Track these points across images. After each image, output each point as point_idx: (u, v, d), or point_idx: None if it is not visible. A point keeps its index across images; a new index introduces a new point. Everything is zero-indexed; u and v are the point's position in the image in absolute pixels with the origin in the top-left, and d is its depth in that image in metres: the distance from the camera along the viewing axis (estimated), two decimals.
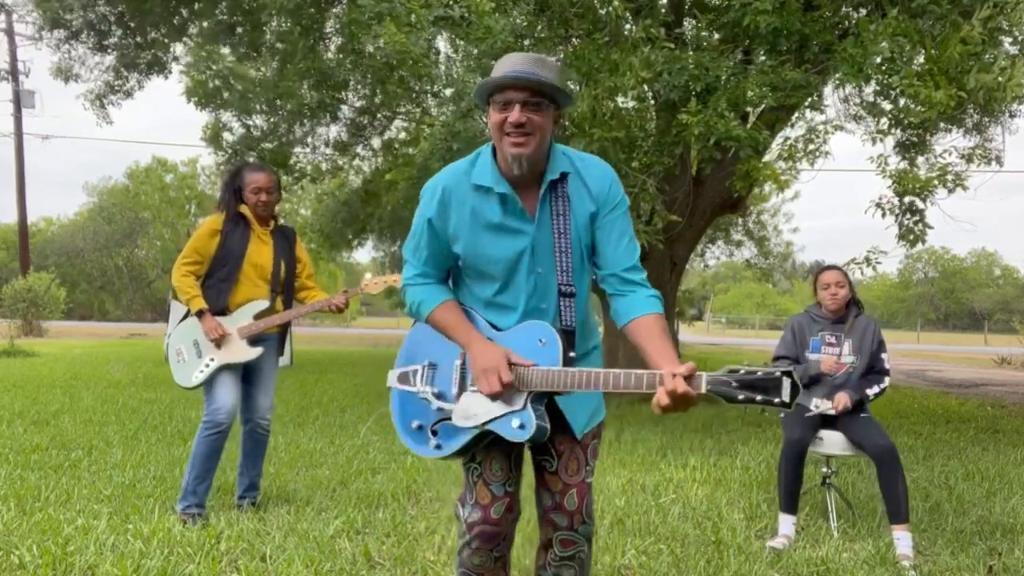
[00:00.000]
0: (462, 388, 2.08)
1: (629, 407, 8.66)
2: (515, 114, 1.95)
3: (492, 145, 2.07)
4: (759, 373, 1.77)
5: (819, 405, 3.89)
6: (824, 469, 4.09)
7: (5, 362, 12.46)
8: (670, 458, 5.65)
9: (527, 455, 2.26)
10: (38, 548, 3.21)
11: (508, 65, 2.00)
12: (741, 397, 1.77)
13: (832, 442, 3.87)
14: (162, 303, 35.36)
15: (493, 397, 2.00)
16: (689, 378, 1.79)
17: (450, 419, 2.07)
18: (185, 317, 3.92)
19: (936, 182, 6.82)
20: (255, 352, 3.87)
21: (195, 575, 3.04)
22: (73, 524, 3.56)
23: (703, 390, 1.80)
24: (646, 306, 2.03)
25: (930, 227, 7.29)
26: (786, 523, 3.72)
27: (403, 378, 2.19)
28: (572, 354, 2.05)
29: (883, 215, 7.45)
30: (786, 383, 1.76)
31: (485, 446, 2.12)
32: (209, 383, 3.82)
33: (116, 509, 3.88)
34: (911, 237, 7.35)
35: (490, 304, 2.13)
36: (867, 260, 7.39)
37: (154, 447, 5.57)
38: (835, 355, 3.92)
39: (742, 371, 1.79)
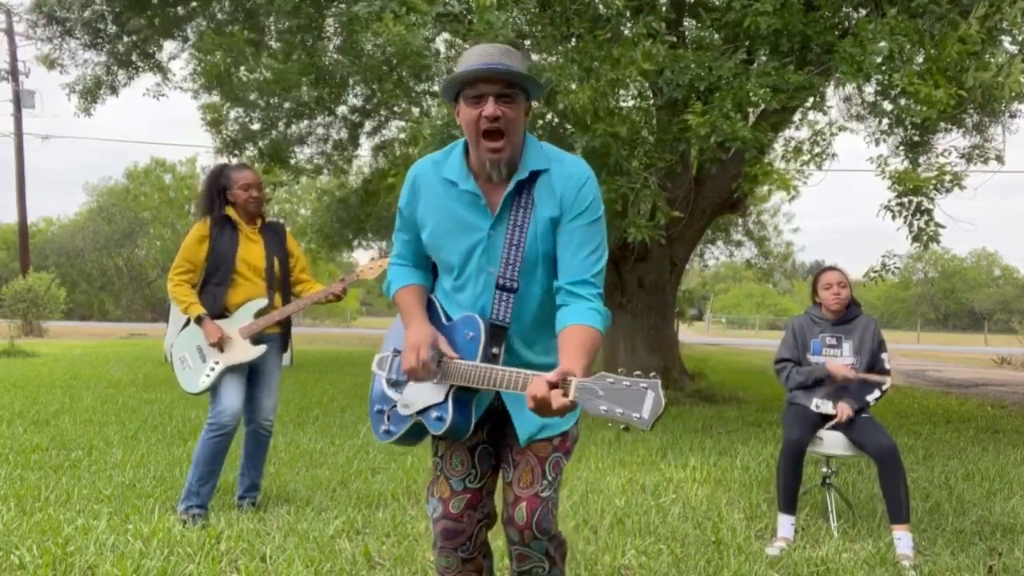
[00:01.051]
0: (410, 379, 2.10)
1: None
2: (489, 107, 1.90)
3: (464, 144, 2.04)
4: (626, 383, 1.62)
5: (820, 405, 3.89)
6: (824, 469, 4.09)
7: (5, 362, 12.46)
8: (670, 458, 5.65)
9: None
10: (38, 548, 3.21)
11: (476, 57, 1.94)
12: (603, 408, 1.62)
13: (832, 442, 3.87)
14: (162, 303, 35.36)
15: (412, 377, 2.01)
16: (562, 383, 1.69)
17: (396, 407, 2.11)
18: (187, 324, 3.92)
19: (934, 182, 6.82)
20: (258, 351, 3.87)
21: (195, 575, 3.04)
22: (73, 524, 3.56)
23: (571, 397, 1.67)
24: (578, 317, 1.91)
25: (942, 227, 7.28)
26: (785, 523, 3.72)
27: (380, 364, 2.22)
28: (495, 351, 1.99)
29: (892, 217, 7.45)
30: (648, 398, 1.59)
31: (447, 441, 2.12)
32: (214, 386, 3.82)
33: (116, 509, 3.88)
34: (924, 238, 7.32)
35: (449, 295, 2.13)
36: (884, 266, 7.38)
37: (154, 447, 5.57)
38: (836, 355, 3.91)
39: (610, 379, 1.64)
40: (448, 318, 2.10)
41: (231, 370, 3.83)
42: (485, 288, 2.04)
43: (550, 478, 2.07)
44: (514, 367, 1.90)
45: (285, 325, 4.06)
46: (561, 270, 2.01)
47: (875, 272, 7.35)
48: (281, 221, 4.29)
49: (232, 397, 3.81)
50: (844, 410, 3.80)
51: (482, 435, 2.14)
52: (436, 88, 8.52)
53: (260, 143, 9.96)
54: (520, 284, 2.03)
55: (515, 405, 2.04)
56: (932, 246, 7.42)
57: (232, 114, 10.01)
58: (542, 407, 1.70)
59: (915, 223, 7.36)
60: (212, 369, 3.80)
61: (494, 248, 2.02)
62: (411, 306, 2.12)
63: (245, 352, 3.85)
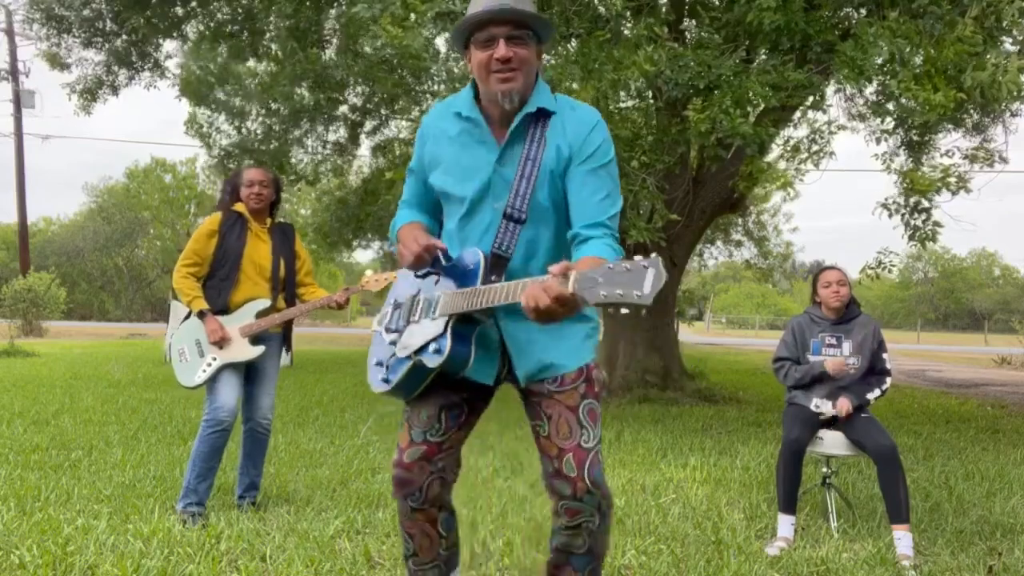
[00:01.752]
0: (407, 321, 2.10)
1: (629, 407, 8.66)
2: (501, 49, 1.91)
3: (472, 82, 2.07)
4: (626, 265, 1.58)
5: (820, 405, 3.89)
6: (824, 469, 4.09)
7: (5, 362, 12.46)
8: (670, 458, 5.65)
9: (485, 415, 2.23)
10: (38, 548, 3.21)
11: (485, 1, 1.95)
12: (603, 293, 1.57)
13: (832, 442, 3.87)
14: (162, 303, 35.35)
15: (415, 268, 2.01)
16: (564, 277, 1.66)
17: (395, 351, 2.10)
18: (188, 317, 3.93)
19: (939, 184, 6.81)
20: (257, 351, 3.88)
21: (195, 575, 3.04)
22: (73, 524, 3.56)
23: (570, 288, 1.63)
24: (592, 250, 1.91)
25: (940, 226, 7.28)
26: (785, 524, 3.72)
27: (380, 320, 2.23)
28: (494, 278, 1.97)
29: (889, 215, 7.45)
30: (649, 275, 1.55)
31: (421, 394, 2.11)
32: (211, 382, 3.82)
33: (116, 509, 3.88)
34: (921, 236, 7.33)
35: (453, 236, 2.13)
36: (880, 263, 7.38)
37: (154, 447, 5.57)
38: (836, 356, 3.91)
39: (609, 265, 1.60)
40: (448, 259, 2.09)
41: (228, 367, 3.83)
42: (491, 223, 2.03)
43: (588, 426, 2.04)
44: (513, 312, 1.95)
45: (286, 325, 4.07)
46: (574, 215, 2.00)
47: (871, 268, 7.35)
48: (291, 223, 4.30)
49: (228, 394, 3.81)
50: (844, 405, 3.79)
51: (461, 392, 2.13)
52: (436, 88, 8.50)
53: (261, 148, 9.95)
54: (528, 218, 2.01)
55: (513, 341, 2.06)
56: (932, 246, 7.43)
57: (223, 125, 9.92)
58: (539, 305, 1.66)
59: (912, 221, 7.37)
60: (209, 364, 3.81)
61: (500, 183, 2.02)
62: (408, 229, 2.13)
63: (243, 351, 3.85)
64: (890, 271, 7.42)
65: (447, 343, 1.94)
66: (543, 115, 2.03)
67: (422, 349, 2.00)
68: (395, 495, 2.15)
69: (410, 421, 2.15)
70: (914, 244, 7.41)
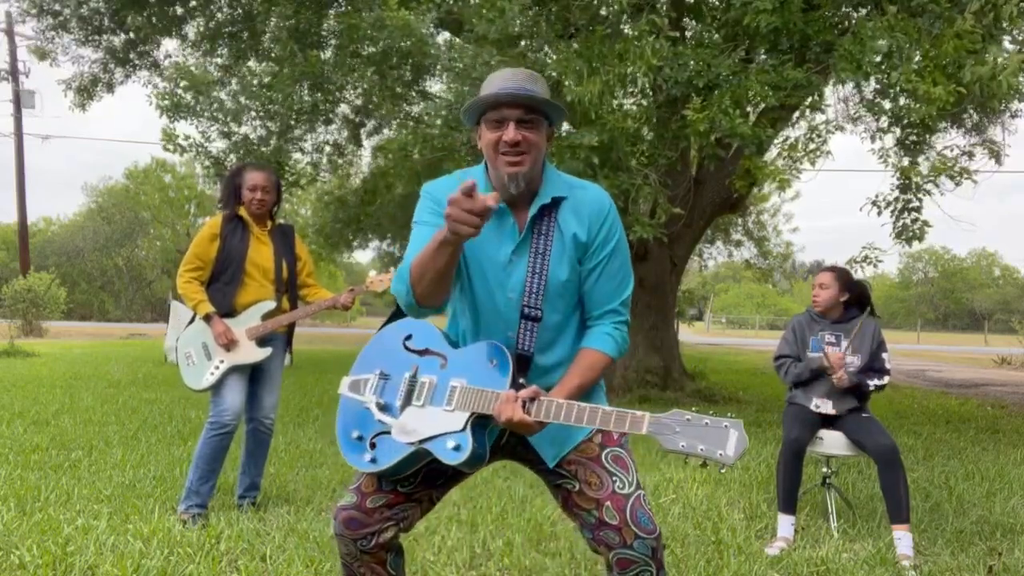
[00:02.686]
0: (407, 402, 1.98)
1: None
2: (510, 132, 1.90)
3: (484, 164, 2.04)
4: (706, 421, 1.63)
5: (819, 405, 3.89)
6: (824, 469, 4.09)
7: (5, 362, 12.45)
8: (670, 458, 5.65)
9: (464, 481, 2.17)
10: (38, 548, 3.21)
11: (499, 82, 1.95)
12: (682, 444, 1.63)
13: (833, 442, 3.87)
14: (162, 303, 35.33)
15: (463, 222, 1.68)
16: (533, 401, 1.81)
17: (389, 432, 1.97)
18: (192, 320, 3.93)
19: (943, 175, 6.79)
20: (264, 353, 3.89)
21: (195, 575, 3.04)
22: (73, 524, 3.56)
23: (644, 431, 1.69)
24: (590, 340, 2.01)
25: (929, 225, 7.29)
26: (785, 524, 3.72)
27: (354, 386, 2.08)
28: (522, 381, 1.94)
29: (879, 212, 7.46)
30: (732, 436, 1.61)
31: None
32: (217, 384, 3.83)
33: (116, 509, 3.88)
34: (908, 235, 7.35)
35: (457, 321, 2.09)
36: (866, 259, 7.38)
37: (154, 447, 5.57)
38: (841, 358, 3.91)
39: (687, 416, 1.66)
40: (454, 343, 2.04)
41: (234, 369, 3.84)
42: (499, 315, 2.01)
43: (620, 474, 1.98)
44: None
45: (289, 326, 4.08)
46: (588, 302, 2.05)
47: (856, 262, 7.36)
48: (291, 224, 4.29)
49: (234, 396, 3.82)
50: (836, 359, 3.79)
51: (449, 468, 2.03)
52: (437, 85, 8.48)
53: (262, 149, 9.89)
54: (543, 313, 2.01)
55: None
56: (932, 246, 7.44)
57: (212, 134, 9.73)
58: (513, 425, 1.79)
59: (901, 219, 7.38)
60: (217, 367, 3.82)
61: (515, 272, 1.99)
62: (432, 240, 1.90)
63: (251, 353, 3.86)
64: (875, 265, 7.41)
65: (469, 443, 1.87)
66: (554, 203, 2.02)
67: (433, 440, 1.91)
68: (342, 534, 2.01)
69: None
70: (901, 243, 7.41)
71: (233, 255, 3.87)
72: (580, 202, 2.02)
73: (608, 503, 1.94)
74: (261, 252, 3.95)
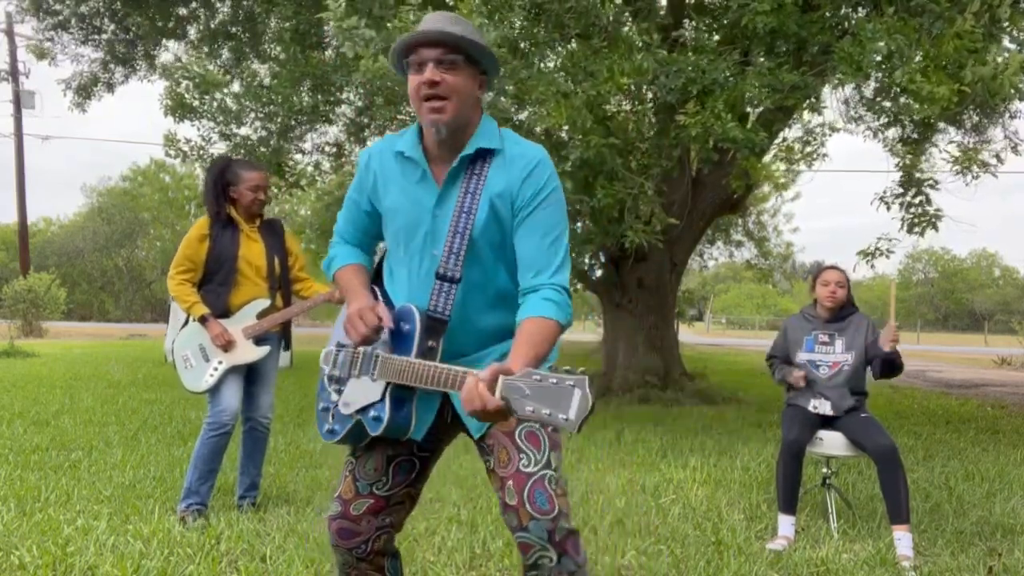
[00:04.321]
0: (349, 373, 1.97)
1: (629, 407, 8.66)
2: (428, 72, 1.82)
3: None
4: (552, 380, 1.48)
5: (817, 406, 3.90)
6: (824, 469, 4.09)
7: (5, 362, 12.46)
8: (670, 458, 5.65)
9: (433, 466, 2.10)
10: (38, 548, 3.21)
11: (421, 26, 1.90)
12: (529, 409, 1.49)
13: (832, 443, 3.87)
14: (162, 303, 35.34)
15: (366, 343, 1.88)
16: (494, 382, 1.58)
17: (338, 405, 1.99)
18: (187, 322, 3.90)
19: (962, 165, 6.75)
20: (262, 351, 3.87)
21: (195, 575, 3.04)
22: (73, 524, 3.56)
23: (497, 395, 1.56)
24: (531, 309, 1.82)
25: (940, 213, 7.22)
26: (785, 524, 3.72)
27: (325, 358, 2.09)
28: (432, 344, 1.87)
29: (888, 208, 7.44)
30: (575, 396, 1.44)
31: (367, 444, 2.02)
32: (215, 385, 3.81)
33: (116, 509, 3.88)
34: (922, 224, 7.28)
35: (393, 275, 2.04)
36: (878, 250, 7.32)
37: (154, 447, 5.57)
38: (827, 353, 3.94)
39: (536, 376, 1.51)
40: (390, 305, 2.00)
41: (232, 369, 3.82)
42: (428, 273, 1.93)
43: (528, 451, 1.86)
44: (455, 362, 1.81)
45: (284, 323, 4.05)
46: (520, 266, 1.90)
47: (867, 254, 7.30)
48: (279, 218, 4.25)
49: (231, 396, 3.81)
50: (796, 377, 3.87)
51: (411, 446, 2.02)
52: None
53: (262, 150, 9.89)
54: (463, 274, 1.90)
55: (458, 400, 1.94)
56: (932, 247, 7.44)
57: (213, 136, 9.69)
58: (475, 410, 1.59)
59: (916, 207, 7.33)
60: (216, 369, 3.79)
61: (439, 230, 1.91)
62: (353, 283, 2.02)
63: (248, 352, 3.84)
64: (888, 256, 7.32)
65: (386, 412, 1.85)
66: (484, 155, 1.92)
67: (362, 411, 1.91)
68: (336, 547, 2.01)
69: (355, 472, 2.02)
70: (916, 232, 7.36)
71: (225, 255, 3.82)
72: (512, 156, 1.92)
73: (510, 482, 1.83)
74: (252, 250, 3.90)
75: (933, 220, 7.25)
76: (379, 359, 1.89)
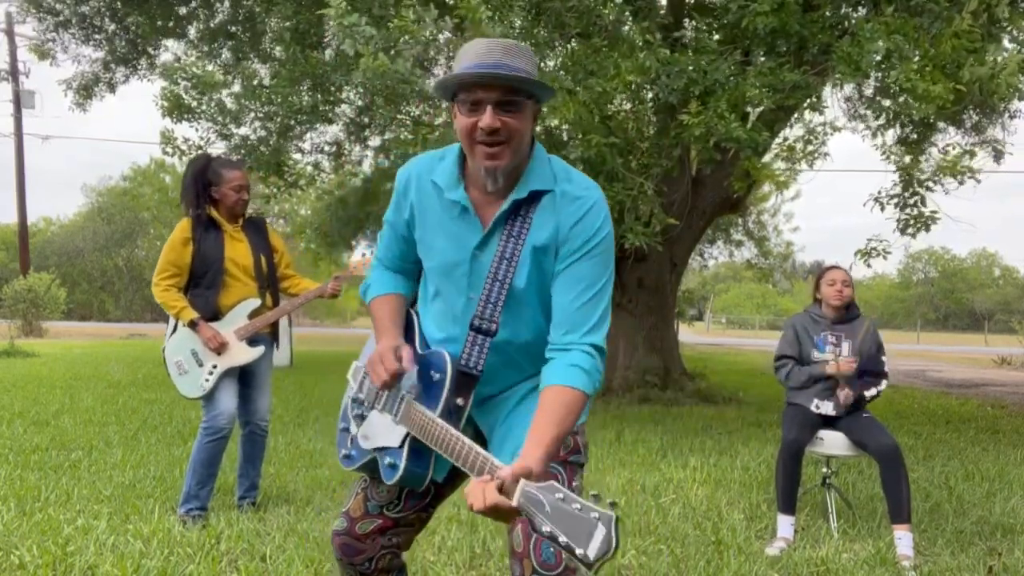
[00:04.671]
0: (372, 404, 1.86)
1: (629, 407, 8.66)
2: (487, 118, 1.63)
3: (460, 147, 1.79)
4: (576, 506, 1.32)
5: (819, 406, 3.89)
6: (824, 469, 4.09)
7: (5, 362, 12.45)
8: (670, 458, 5.65)
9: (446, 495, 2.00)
10: (38, 548, 3.21)
11: (473, 56, 1.66)
12: (546, 530, 1.34)
13: (833, 443, 3.87)
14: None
15: (386, 388, 1.78)
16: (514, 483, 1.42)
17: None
18: (175, 328, 3.83)
19: (949, 173, 6.79)
20: (256, 352, 3.83)
21: (195, 575, 3.04)
22: (73, 524, 3.56)
23: (514, 503, 1.40)
24: (556, 376, 1.65)
25: (936, 215, 7.26)
26: (784, 524, 3.72)
27: (354, 373, 1.97)
28: (460, 402, 1.74)
29: (882, 208, 7.47)
30: (598, 533, 1.29)
31: None
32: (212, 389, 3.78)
33: (116, 509, 3.88)
34: (917, 226, 7.31)
35: (426, 302, 1.92)
36: (874, 250, 7.36)
37: (154, 447, 5.57)
38: (838, 354, 3.90)
39: (559, 494, 1.35)
40: (426, 345, 1.88)
41: (227, 373, 3.78)
42: (463, 314, 1.79)
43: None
44: (482, 405, 1.79)
45: (273, 323, 4.00)
46: (555, 316, 1.73)
47: (863, 254, 7.34)
48: (262, 214, 4.18)
49: (227, 400, 3.77)
50: (846, 393, 3.78)
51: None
52: (422, 107, 8.44)
53: (261, 150, 9.88)
54: (500, 323, 1.76)
55: (490, 433, 1.88)
56: (932, 246, 7.46)
57: (212, 136, 9.66)
58: (483, 510, 1.43)
59: (905, 213, 7.37)
60: (211, 373, 3.74)
61: (478, 272, 1.76)
62: (384, 319, 1.88)
63: (242, 354, 3.80)
64: (885, 257, 7.36)
65: (402, 462, 1.74)
66: (532, 198, 1.74)
67: (380, 451, 1.81)
68: (340, 559, 1.94)
69: (367, 491, 1.93)
70: (910, 234, 7.40)
71: (210, 257, 3.74)
72: (565, 196, 1.74)
73: (519, 527, 1.71)
74: (238, 250, 3.83)
75: (927, 222, 7.27)
76: (404, 402, 1.77)
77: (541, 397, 1.64)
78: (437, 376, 1.74)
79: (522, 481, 1.41)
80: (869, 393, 3.86)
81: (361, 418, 1.88)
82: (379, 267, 2.00)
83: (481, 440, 1.88)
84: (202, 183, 3.79)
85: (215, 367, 3.74)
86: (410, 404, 1.75)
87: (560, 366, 1.67)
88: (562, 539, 1.31)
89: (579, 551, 1.29)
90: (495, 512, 1.43)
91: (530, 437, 1.56)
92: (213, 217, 3.81)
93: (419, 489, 1.85)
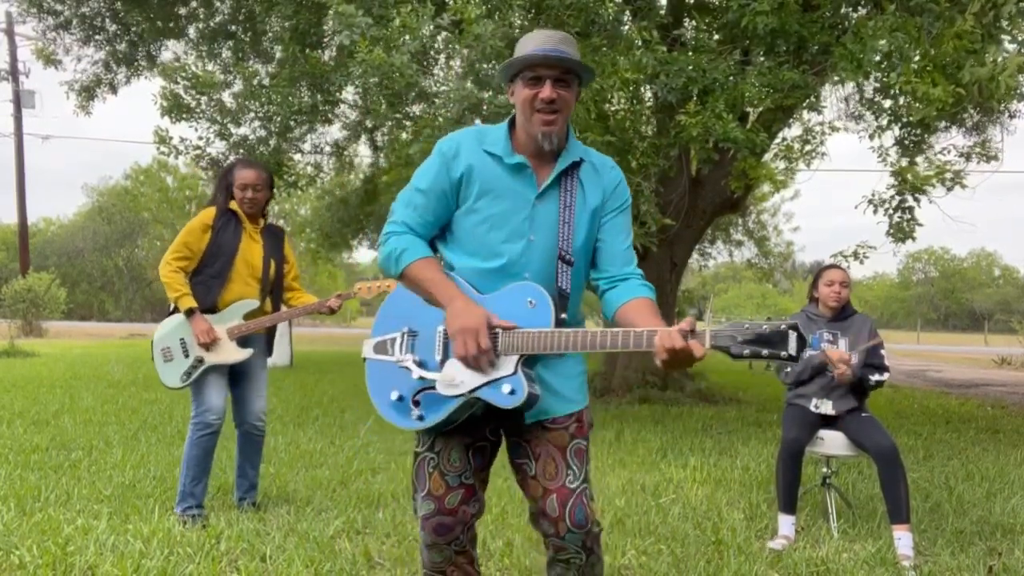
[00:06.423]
0: (446, 355, 2.00)
1: (629, 407, 8.66)
2: (547, 90, 2.01)
3: (509, 120, 2.15)
4: (764, 327, 1.73)
5: (819, 406, 3.89)
6: (824, 469, 4.09)
7: (5, 362, 12.46)
8: (670, 458, 5.65)
9: (499, 452, 2.20)
10: (38, 548, 3.21)
11: (536, 42, 2.05)
12: (747, 352, 1.73)
13: (833, 442, 3.87)
14: (162, 303, 35.32)
15: (466, 363, 1.94)
16: (692, 333, 1.77)
17: (434, 388, 2.00)
18: (172, 313, 3.84)
19: (935, 180, 6.86)
20: (245, 354, 3.81)
21: (195, 575, 3.04)
22: (73, 524, 3.56)
23: (707, 345, 1.77)
24: (638, 291, 2.08)
25: (919, 224, 7.34)
26: (785, 524, 3.72)
27: (380, 348, 2.10)
28: (564, 316, 2.03)
29: (875, 211, 7.50)
30: (792, 336, 1.71)
31: (444, 436, 2.09)
32: (197, 384, 3.76)
33: (116, 509, 3.88)
34: (900, 234, 7.40)
35: (474, 270, 2.08)
36: (855, 254, 7.45)
37: (154, 447, 5.57)
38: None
39: (746, 325, 1.75)
40: (476, 290, 2.05)
41: (214, 368, 3.77)
42: (523, 256, 2.05)
43: (575, 468, 2.06)
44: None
45: (269, 328, 4.00)
46: (607, 258, 2.15)
47: (844, 256, 7.42)
48: (281, 224, 4.24)
49: (215, 396, 3.76)
50: (836, 355, 3.76)
51: (484, 431, 2.13)
52: (422, 107, 8.41)
53: (261, 149, 9.86)
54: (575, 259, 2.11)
55: (543, 383, 2.08)
56: (932, 246, 7.49)
57: (210, 136, 9.63)
58: (681, 358, 1.77)
59: (896, 219, 7.43)
60: (194, 367, 3.74)
61: (539, 219, 2.07)
62: (443, 280, 2.02)
63: (231, 354, 3.78)
64: (862, 262, 7.49)
65: (523, 384, 1.92)
66: (576, 164, 2.13)
67: (485, 388, 1.94)
68: (434, 544, 2.09)
69: (441, 467, 2.09)
70: (894, 241, 7.46)
71: (224, 249, 3.78)
72: (600, 167, 2.18)
73: (554, 496, 2.03)
74: (252, 250, 3.87)
75: (908, 232, 7.34)
76: (499, 334, 1.95)
77: (635, 305, 2.04)
78: (535, 301, 1.97)
79: (707, 328, 1.79)
80: (873, 377, 3.84)
81: (436, 374, 2.00)
82: (408, 233, 2.14)
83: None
84: (225, 183, 3.91)
85: (200, 361, 3.74)
86: (512, 332, 1.94)
87: (634, 285, 2.11)
88: (765, 352, 1.72)
89: (783, 352, 1.71)
90: (689, 357, 1.78)
91: (656, 320, 1.96)
92: (237, 213, 3.87)
93: (532, 408, 1.99)
